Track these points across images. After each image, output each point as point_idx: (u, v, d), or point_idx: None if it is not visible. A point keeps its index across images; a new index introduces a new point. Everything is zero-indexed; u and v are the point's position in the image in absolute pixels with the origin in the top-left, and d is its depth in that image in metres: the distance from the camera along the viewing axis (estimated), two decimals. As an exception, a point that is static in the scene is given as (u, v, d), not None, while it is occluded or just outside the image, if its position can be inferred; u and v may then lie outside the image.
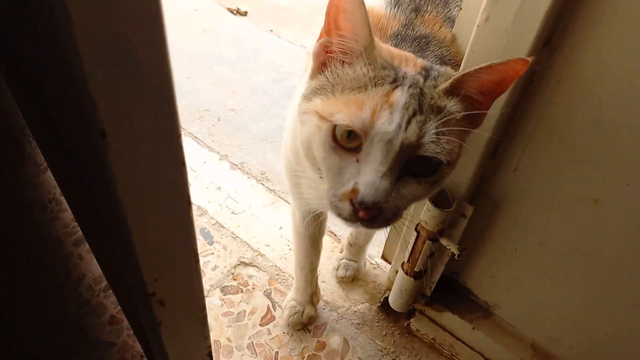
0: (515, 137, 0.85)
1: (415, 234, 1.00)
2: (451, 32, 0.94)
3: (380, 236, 1.36)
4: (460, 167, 0.90)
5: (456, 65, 0.96)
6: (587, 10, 0.66)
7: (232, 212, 1.46)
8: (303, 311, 1.21)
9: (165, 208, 0.44)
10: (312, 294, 1.22)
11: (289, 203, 1.52)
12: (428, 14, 1.12)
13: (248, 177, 1.59)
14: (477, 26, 0.72)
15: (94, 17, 0.30)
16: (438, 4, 1.02)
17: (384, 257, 1.35)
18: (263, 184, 1.58)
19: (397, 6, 1.13)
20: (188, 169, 1.79)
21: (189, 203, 0.46)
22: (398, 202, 0.66)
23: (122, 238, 0.45)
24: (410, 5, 1.12)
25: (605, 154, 0.76)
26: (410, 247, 1.03)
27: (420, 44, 0.92)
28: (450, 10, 0.97)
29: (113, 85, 0.33)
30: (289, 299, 1.23)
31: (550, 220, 0.90)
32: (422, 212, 0.96)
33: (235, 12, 2.55)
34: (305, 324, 1.22)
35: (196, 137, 1.70)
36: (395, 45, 0.91)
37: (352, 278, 1.33)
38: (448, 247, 0.98)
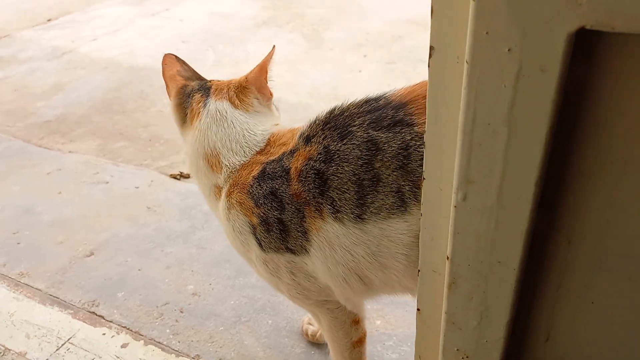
0: (537, 306, 0.68)
1: None
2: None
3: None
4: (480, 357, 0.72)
5: None
6: (584, 160, 0.54)
7: None
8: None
9: None
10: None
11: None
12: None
13: (228, 378, 1.34)
14: (455, 206, 0.59)
15: None
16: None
17: None
18: (247, 382, 1.33)
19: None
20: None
21: None
22: None
23: None
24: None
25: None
26: None
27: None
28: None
29: None
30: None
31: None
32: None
33: (179, 177, 2.45)
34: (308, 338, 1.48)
35: (159, 342, 1.47)
36: None
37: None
38: None
